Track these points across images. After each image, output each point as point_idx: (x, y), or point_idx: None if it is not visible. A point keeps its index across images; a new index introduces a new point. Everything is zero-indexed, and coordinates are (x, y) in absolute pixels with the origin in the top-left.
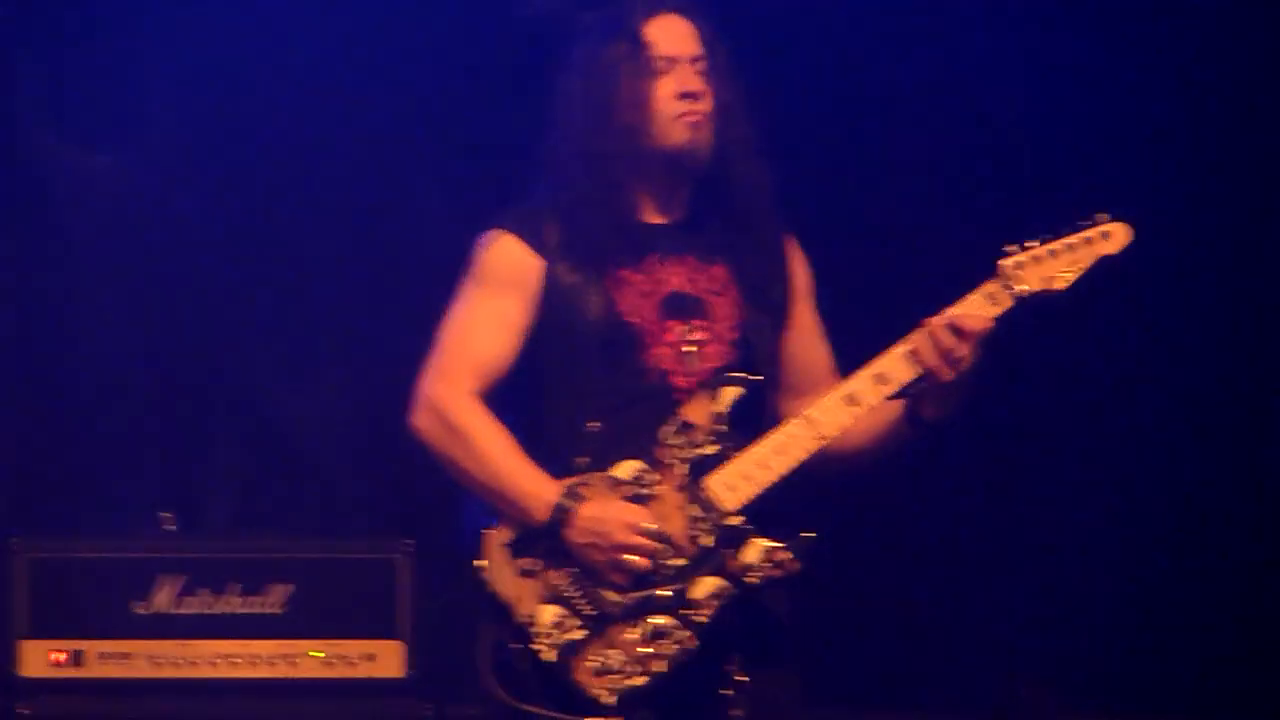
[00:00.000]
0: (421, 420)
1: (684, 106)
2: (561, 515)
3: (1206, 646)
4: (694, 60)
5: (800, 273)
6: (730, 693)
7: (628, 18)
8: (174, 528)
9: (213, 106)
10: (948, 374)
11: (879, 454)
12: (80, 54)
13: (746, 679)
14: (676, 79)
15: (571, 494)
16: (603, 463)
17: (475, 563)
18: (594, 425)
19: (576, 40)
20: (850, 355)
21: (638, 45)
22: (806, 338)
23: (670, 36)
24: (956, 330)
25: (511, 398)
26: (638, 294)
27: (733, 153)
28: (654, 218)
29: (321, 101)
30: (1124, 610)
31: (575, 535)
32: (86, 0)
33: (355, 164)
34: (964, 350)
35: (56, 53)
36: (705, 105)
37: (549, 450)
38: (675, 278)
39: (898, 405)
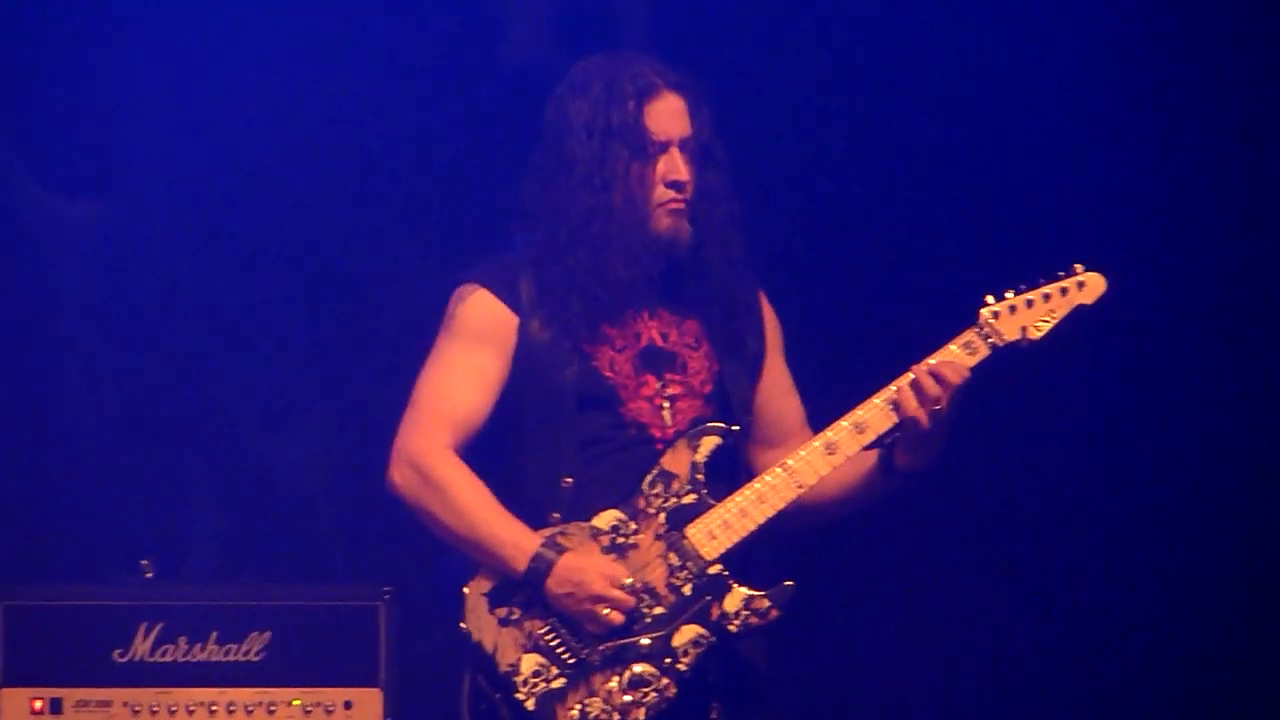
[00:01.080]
0: (398, 475)
1: (670, 194)
2: (541, 565)
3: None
4: (683, 143)
5: (771, 325)
6: None
7: (628, 96)
8: (152, 575)
9: (192, 161)
10: (925, 423)
11: (854, 503)
12: (60, 103)
13: None
14: (666, 166)
15: (551, 544)
16: (579, 515)
17: (461, 625)
18: (568, 481)
19: (570, 99)
20: (830, 406)
21: (637, 128)
22: (778, 390)
23: (665, 118)
24: (935, 379)
25: (488, 451)
26: (613, 349)
27: (709, 230)
28: (628, 273)
29: (299, 152)
30: (1105, 674)
31: (554, 585)
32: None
33: (333, 216)
34: (942, 400)
35: (36, 85)
36: (688, 192)
37: (525, 503)
38: (649, 332)
39: (873, 455)
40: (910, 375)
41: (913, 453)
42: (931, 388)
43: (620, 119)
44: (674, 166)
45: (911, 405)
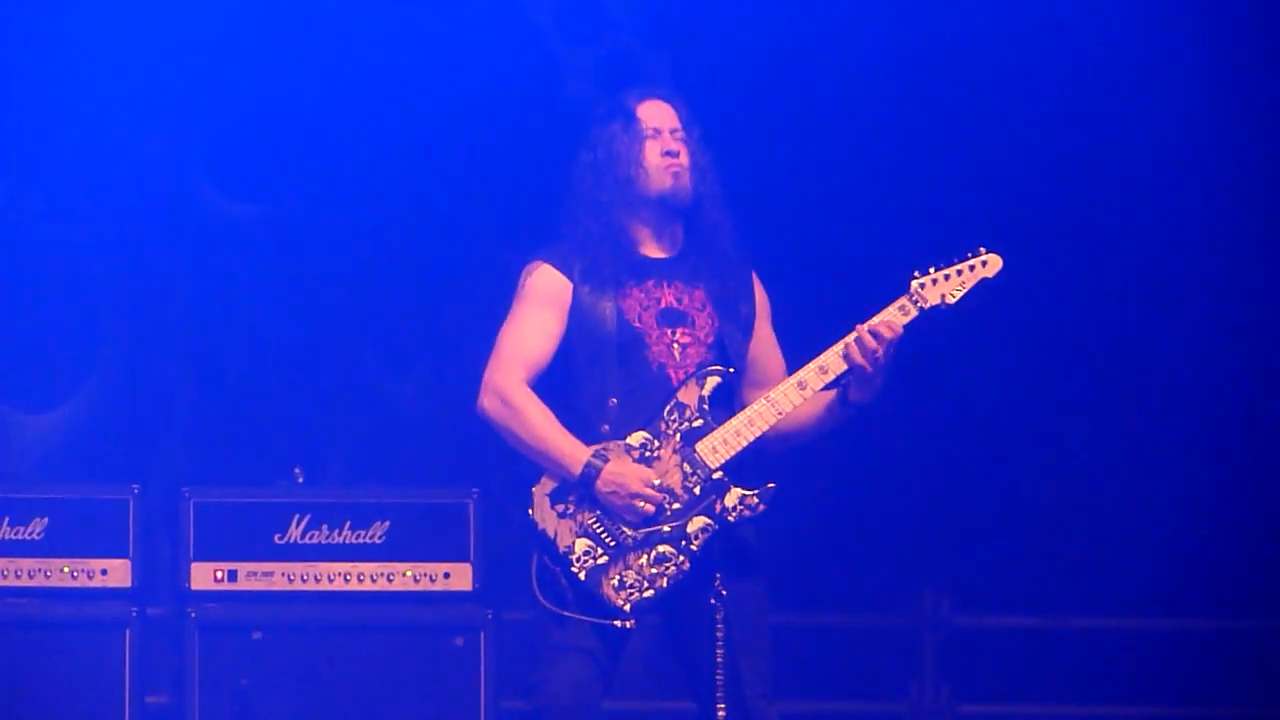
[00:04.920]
0: (486, 401)
1: (667, 161)
2: (592, 470)
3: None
4: (673, 131)
5: (760, 297)
6: (714, 601)
7: (624, 101)
8: (303, 480)
9: (330, 169)
10: (869, 367)
11: (819, 428)
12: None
13: (725, 592)
14: (661, 143)
15: (599, 455)
16: (619, 432)
17: (529, 514)
18: (613, 401)
19: (594, 125)
20: (801, 354)
21: (631, 119)
22: (766, 347)
23: (656, 113)
24: (874, 335)
25: (550, 383)
26: (640, 306)
27: (707, 204)
28: (653, 253)
29: (429, 174)
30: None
31: (601, 485)
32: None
33: (445, 225)
34: (881, 349)
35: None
36: (683, 160)
37: (578, 421)
38: (668, 296)
39: (832, 393)
40: (858, 330)
41: (861, 390)
42: (870, 341)
43: (618, 119)
44: (667, 143)
45: (857, 354)
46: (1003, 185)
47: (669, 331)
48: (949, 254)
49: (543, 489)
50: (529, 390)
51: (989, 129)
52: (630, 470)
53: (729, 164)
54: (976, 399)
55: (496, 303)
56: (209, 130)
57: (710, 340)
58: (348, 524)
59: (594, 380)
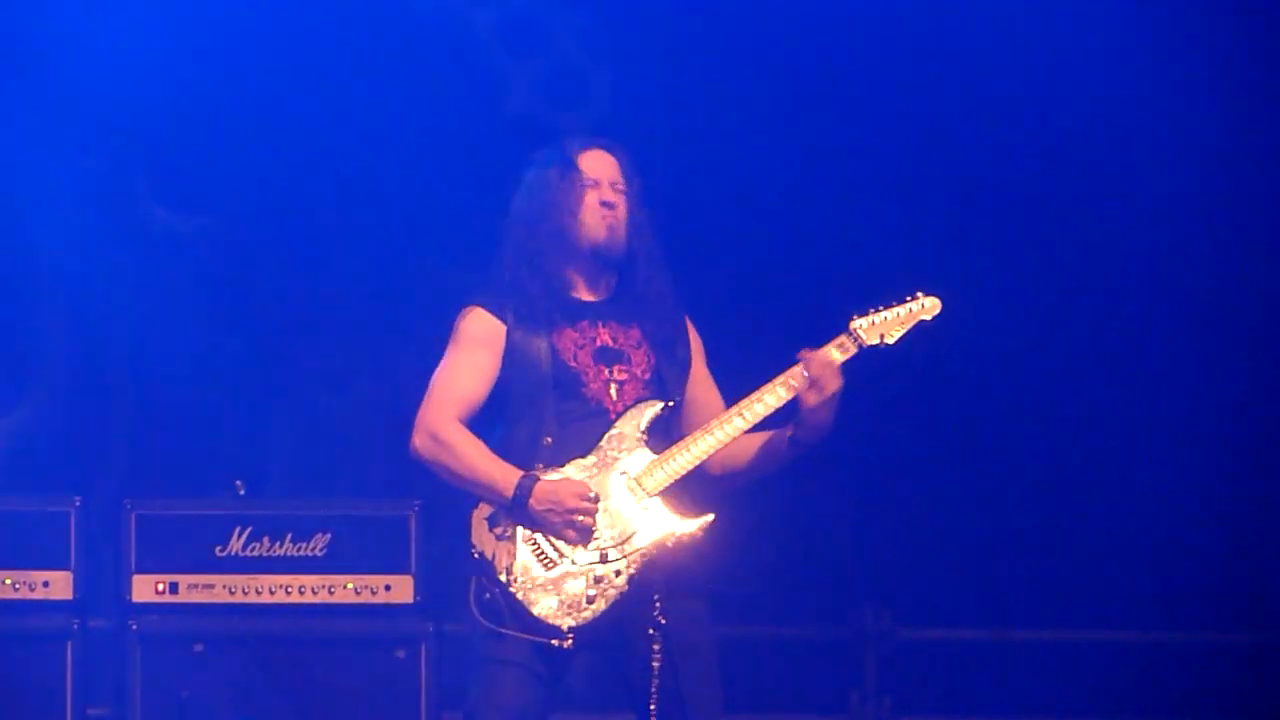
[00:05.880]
0: (419, 440)
1: (603, 212)
2: (525, 486)
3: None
4: (613, 183)
5: (694, 339)
6: (653, 631)
7: (565, 150)
8: (244, 492)
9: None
10: (812, 399)
11: (766, 467)
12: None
13: (664, 620)
14: (599, 193)
15: (531, 477)
16: (557, 464)
17: (470, 541)
18: (549, 440)
19: (532, 166)
20: (740, 394)
21: (570, 168)
22: (703, 386)
23: (596, 164)
24: (805, 373)
25: (486, 423)
26: (575, 346)
27: (642, 257)
28: (587, 296)
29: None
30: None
31: (536, 504)
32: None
33: (387, 239)
34: (823, 379)
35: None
36: (620, 213)
37: (515, 459)
38: (602, 336)
39: (781, 434)
40: (795, 367)
41: (809, 430)
42: (799, 378)
43: (558, 168)
44: (605, 194)
45: (801, 387)
46: (946, 218)
47: (605, 369)
48: (889, 295)
49: (481, 513)
50: (461, 426)
51: (944, 158)
52: (566, 486)
53: (669, 189)
54: (917, 411)
55: (441, 315)
56: (152, 143)
57: (647, 377)
58: (289, 536)
59: (530, 420)
